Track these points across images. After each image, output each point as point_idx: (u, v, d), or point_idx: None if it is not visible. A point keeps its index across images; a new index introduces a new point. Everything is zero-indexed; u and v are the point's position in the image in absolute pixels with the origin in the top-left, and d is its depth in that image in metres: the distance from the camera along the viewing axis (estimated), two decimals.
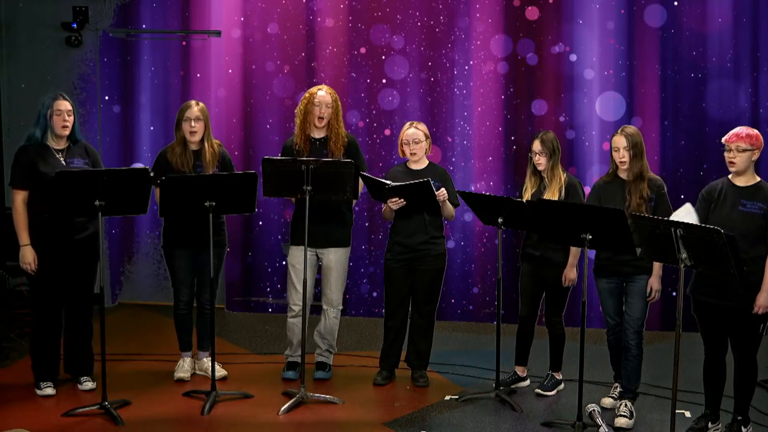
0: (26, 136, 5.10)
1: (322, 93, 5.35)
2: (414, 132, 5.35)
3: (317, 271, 5.58)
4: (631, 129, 4.87)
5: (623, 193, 4.84)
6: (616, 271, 4.89)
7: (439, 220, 5.41)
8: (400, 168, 5.49)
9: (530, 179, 5.31)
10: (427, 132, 5.43)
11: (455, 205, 5.41)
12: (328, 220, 5.32)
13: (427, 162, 5.47)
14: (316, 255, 5.43)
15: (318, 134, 5.40)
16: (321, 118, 5.32)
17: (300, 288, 5.37)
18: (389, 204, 5.25)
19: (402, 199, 5.21)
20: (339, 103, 5.42)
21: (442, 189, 5.25)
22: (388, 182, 5.21)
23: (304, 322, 5.23)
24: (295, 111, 5.46)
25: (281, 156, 5.43)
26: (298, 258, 5.39)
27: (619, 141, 4.82)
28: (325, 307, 5.51)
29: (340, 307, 5.55)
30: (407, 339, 5.55)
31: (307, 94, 5.41)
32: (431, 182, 5.11)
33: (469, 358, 6.05)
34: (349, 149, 5.42)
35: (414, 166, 5.43)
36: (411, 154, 5.37)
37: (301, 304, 5.39)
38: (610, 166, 4.96)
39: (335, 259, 5.43)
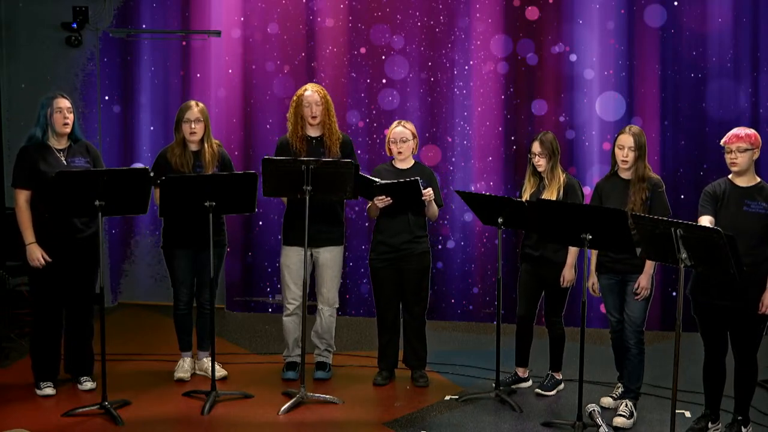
0: (27, 137, 5.10)
1: (309, 93, 5.34)
2: (402, 130, 5.35)
3: (312, 271, 5.57)
4: (636, 129, 4.88)
5: (624, 192, 4.84)
6: (613, 268, 4.90)
7: (423, 219, 5.41)
8: (387, 166, 5.49)
9: (529, 180, 5.31)
10: (415, 131, 5.43)
11: (439, 205, 5.42)
12: (322, 219, 5.30)
13: (413, 161, 5.47)
14: (311, 254, 5.42)
15: (314, 132, 5.39)
16: (315, 117, 5.32)
17: (293, 287, 5.40)
18: (376, 202, 5.25)
19: (389, 198, 5.21)
20: (329, 99, 5.41)
21: (429, 189, 5.25)
22: (376, 180, 5.22)
23: (303, 322, 5.23)
24: (287, 115, 5.45)
25: (276, 152, 5.43)
26: (291, 258, 5.40)
27: (626, 140, 4.82)
28: (320, 306, 5.50)
29: (336, 306, 5.55)
30: (402, 340, 5.55)
31: (294, 97, 5.40)
32: (420, 182, 5.11)
33: (469, 358, 6.05)
34: (344, 147, 5.42)
35: (400, 165, 5.43)
36: (398, 152, 5.37)
37: (294, 302, 5.43)
38: (612, 164, 4.97)
39: (330, 257, 5.43)
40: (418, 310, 5.46)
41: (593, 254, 5.00)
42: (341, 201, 5.44)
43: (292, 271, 5.41)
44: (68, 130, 5.08)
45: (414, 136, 5.40)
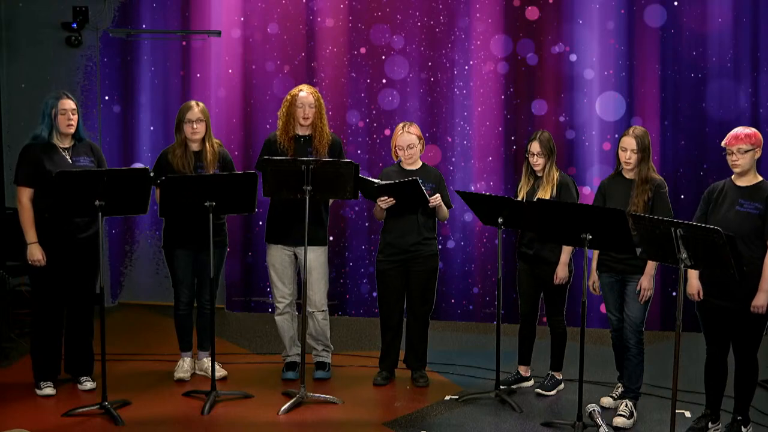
0: (32, 136, 5.10)
1: (304, 94, 5.33)
2: (408, 137, 5.34)
3: (296, 270, 5.55)
4: (640, 131, 4.87)
5: (628, 192, 4.84)
6: (614, 267, 4.91)
7: (432, 221, 5.41)
8: (394, 168, 5.49)
9: (526, 179, 5.32)
10: (420, 133, 5.42)
11: (449, 206, 5.42)
12: (304, 218, 5.25)
13: (421, 163, 5.47)
14: (294, 254, 5.41)
15: (303, 132, 5.39)
16: (306, 118, 5.31)
17: (280, 286, 5.42)
18: (379, 203, 5.25)
19: (391, 198, 5.21)
20: (322, 101, 5.40)
21: (437, 195, 5.26)
22: (376, 181, 5.22)
23: (303, 321, 5.23)
24: (278, 113, 5.44)
25: (264, 149, 5.42)
26: (275, 257, 5.42)
27: (629, 142, 4.82)
28: (310, 309, 5.42)
29: (325, 308, 5.50)
30: (405, 340, 5.55)
31: (288, 96, 5.39)
32: (419, 181, 5.11)
33: (469, 358, 6.05)
34: (333, 148, 5.40)
35: (408, 167, 5.42)
36: (406, 158, 5.37)
37: (284, 301, 5.44)
38: (616, 164, 4.97)
39: (314, 258, 5.35)
40: (424, 312, 5.46)
41: (594, 253, 5.01)
42: (326, 202, 5.43)
43: (278, 269, 5.42)
44: (72, 131, 5.09)
45: (420, 139, 5.40)
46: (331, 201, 5.54)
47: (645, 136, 4.85)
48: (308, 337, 5.51)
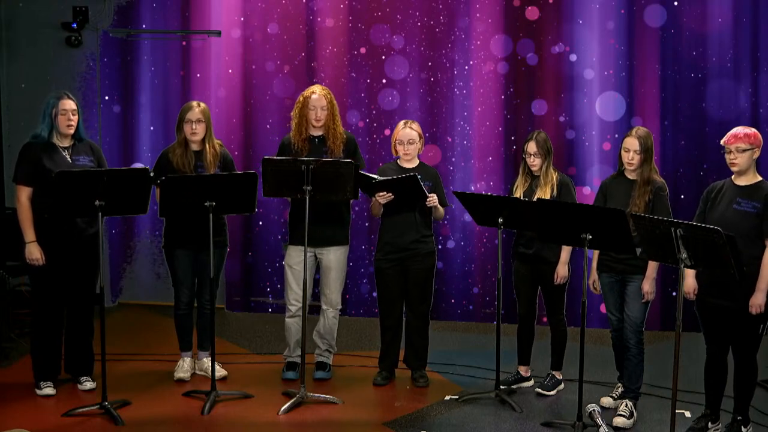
0: (32, 135, 5.10)
1: (316, 96, 5.34)
2: (409, 132, 5.36)
3: (316, 271, 5.58)
4: (643, 131, 4.88)
5: (629, 192, 4.85)
6: (614, 268, 4.91)
7: (429, 219, 5.42)
8: (392, 166, 5.50)
9: (523, 179, 5.33)
10: (421, 132, 5.44)
11: (445, 205, 5.43)
12: (326, 219, 5.31)
13: (418, 161, 5.48)
14: (315, 255, 5.43)
15: (316, 132, 5.40)
16: (318, 120, 5.33)
17: (295, 288, 5.39)
18: (377, 198, 5.26)
19: (390, 194, 5.21)
20: (334, 102, 5.41)
21: (434, 195, 5.27)
22: (375, 176, 5.22)
23: (304, 322, 5.23)
24: (291, 114, 5.46)
25: (279, 152, 5.44)
26: (295, 258, 5.40)
27: (631, 143, 4.83)
28: (324, 306, 5.50)
29: (339, 307, 5.55)
30: (404, 339, 5.55)
31: (300, 98, 5.40)
32: (418, 176, 5.12)
33: (469, 358, 6.05)
34: (347, 146, 5.42)
35: (405, 165, 5.43)
36: (404, 153, 5.38)
37: (297, 304, 5.41)
38: (618, 165, 4.98)
39: (334, 258, 5.43)
40: (423, 310, 5.47)
41: (594, 252, 5.01)
42: (347, 201, 5.44)
43: (296, 271, 5.41)
44: (71, 131, 5.09)
45: (420, 137, 5.42)
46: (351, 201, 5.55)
47: (648, 137, 4.86)
48: (315, 333, 5.53)
